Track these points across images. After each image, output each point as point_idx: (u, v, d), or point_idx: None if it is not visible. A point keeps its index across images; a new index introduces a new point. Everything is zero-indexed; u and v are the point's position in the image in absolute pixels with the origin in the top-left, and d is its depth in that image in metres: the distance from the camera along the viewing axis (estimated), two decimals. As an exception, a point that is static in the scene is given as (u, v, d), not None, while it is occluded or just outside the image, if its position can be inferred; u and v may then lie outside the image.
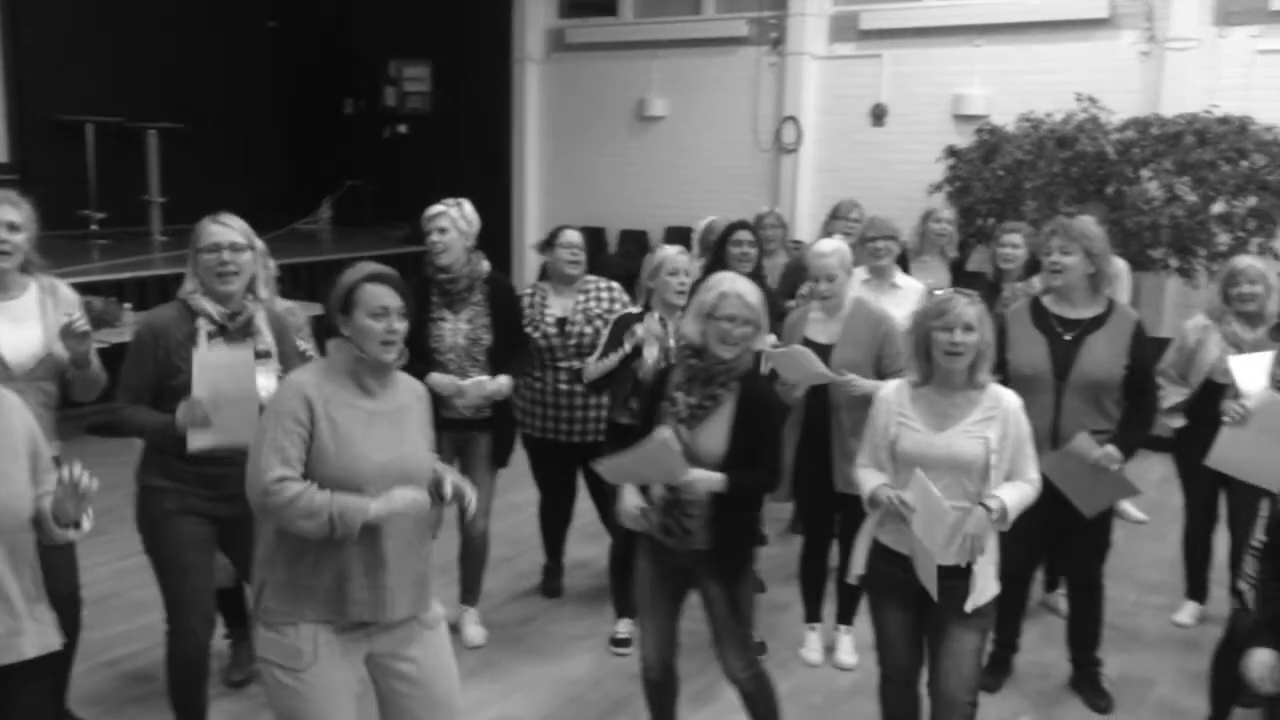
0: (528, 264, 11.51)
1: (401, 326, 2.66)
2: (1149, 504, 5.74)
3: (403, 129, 12.52)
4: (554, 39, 11.33)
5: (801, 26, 9.79)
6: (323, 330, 3.41)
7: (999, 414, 3.00)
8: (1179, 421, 4.36)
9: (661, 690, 3.38)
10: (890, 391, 3.13)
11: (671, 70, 10.65)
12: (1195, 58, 8.18)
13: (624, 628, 4.34)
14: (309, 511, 2.52)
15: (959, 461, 2.96)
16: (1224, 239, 7.40)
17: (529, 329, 4.46)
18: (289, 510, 2.53)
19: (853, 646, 4.27)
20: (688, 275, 4.14)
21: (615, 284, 4.66)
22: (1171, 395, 4.32)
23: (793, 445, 4.14)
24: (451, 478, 2.76)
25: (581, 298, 4.54)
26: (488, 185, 11.27)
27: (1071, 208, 7.59)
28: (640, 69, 10.77)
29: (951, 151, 8.49)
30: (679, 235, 9.91)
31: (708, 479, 3.03)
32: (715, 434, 3.09)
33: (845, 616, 4.34)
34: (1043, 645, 4.39)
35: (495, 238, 11.10)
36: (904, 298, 4.78)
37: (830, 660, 4.30)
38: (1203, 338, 4.30)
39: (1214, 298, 4.39)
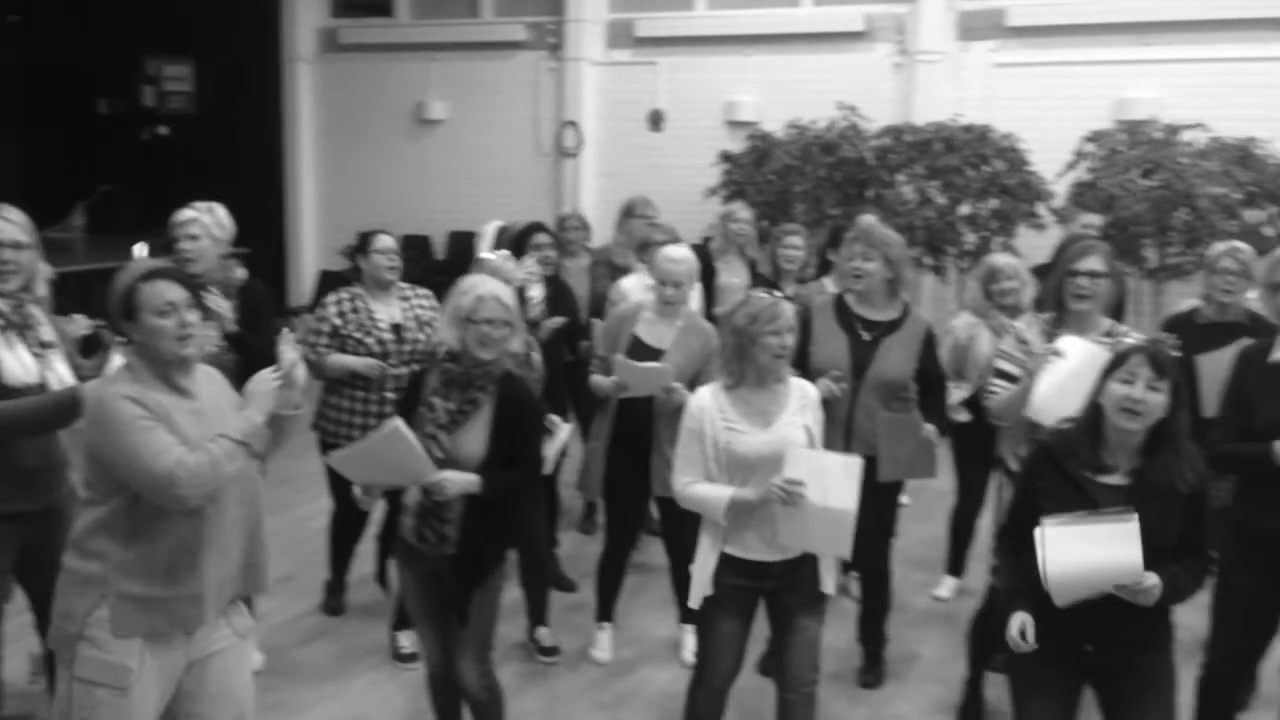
0: (304, 269, 11.16)
1: (193, 318, 2.57)
2: (912, 487, 6.10)
3: (163, 130, 11.86)
4: (326, 39, 10.99)
5: (579, 32, 9.89)
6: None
7: (809, 402, 3.16)
8: (964, 416, 4.61)
9: (447, 685, 3.35)
10: (707, 399, 3.12)
11: (450, 73, 10.53)
12: (942, 70, 8.80)
13: (406, 640, 4.25)
14: (225, 456, 2.47)
15: None
16: (971, 238, 7.99)
17: (359, 335, 4.31)
18: (208, 472, 2.44)
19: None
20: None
21: (427, 290, 4.58)
22: (955, 392, 4.55)
23: (604, 443, 4.17)
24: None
25: (405, 304, 4.44)
26: (259, 190, 10.81)
27: (837, 210, 8.02)
28: (418, 71, 10.60)
29: (725, 157, 8.78)
30: (463, 240, 9.84)
31: (460, 480, 3.01)
32: (475, 438, 3.08)
33: (690, 616, 4.38)
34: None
35: (268, 243, 10.72)
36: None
37: (678, 658, 4.33)
38: (974, 334, 4.61)
39: (976, 296, 4.71)
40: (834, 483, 2.93)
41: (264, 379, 2.62)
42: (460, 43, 10.42)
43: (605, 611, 4.42)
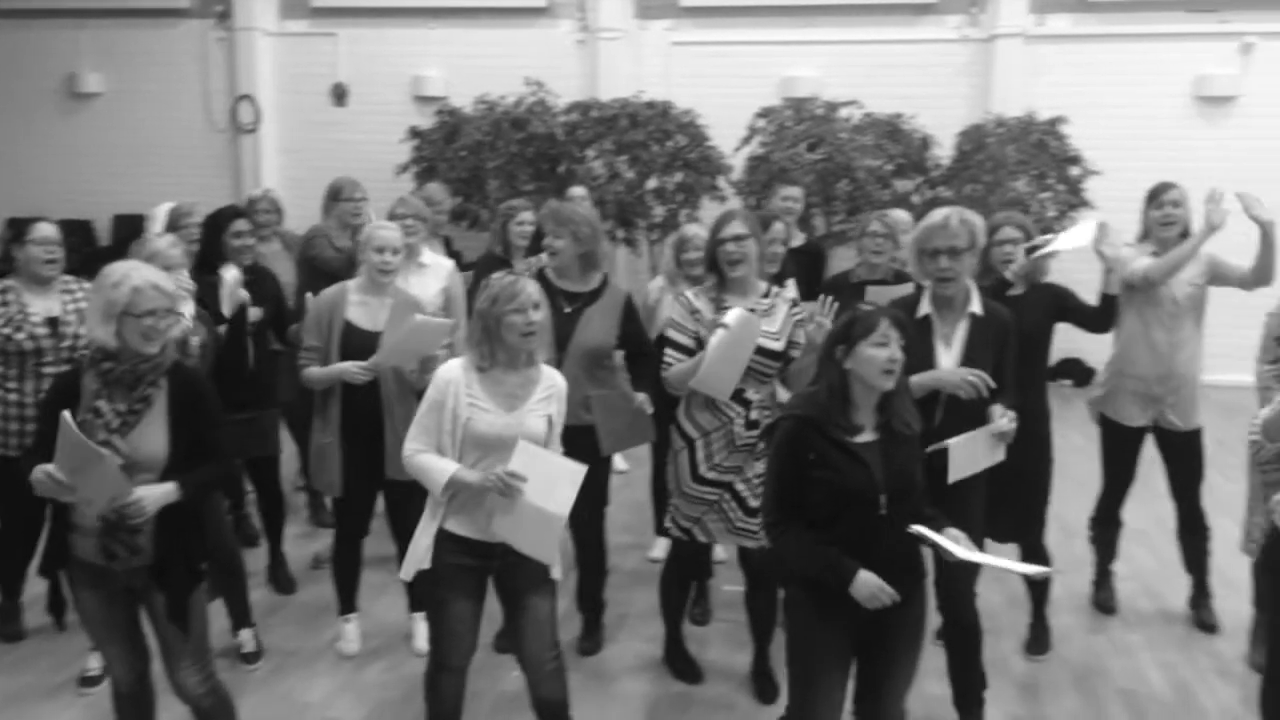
0: (-58, 263, 9.93)
1: None
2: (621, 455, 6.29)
3: None
4: (-48, 1, 9.80)
5: (249, 1, 9.37)
6: None
7: (555, 392, 3.17)
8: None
9: (137, 704, 3.16)
10: (455, 373, 3.07)
11: (105, 42, 9.69)
12: (623, 47, 9.07)
13: (95, 663, 3.93)
14: None
15: (532, 440, 3.03)
16: (659, 211, 8.32)
17: (8, 331, 3.89)
18: None
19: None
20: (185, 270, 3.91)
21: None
22: None
23: (333, 430, 3.99)
24: None
25: (68, 297, 4.07)
26: (-123, 172, 9.54)
27: (531, 186, 8.10)
28: (67, 40, 9.69)
29: (415, 132, 8.63)
30: (130, 222, 9.10)
31: (157, 494, 2.81)
32: (154, 436, 2.87)
33: (419, 603, 4.23)
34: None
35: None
36: (433, 275, 4.81)
37: (410, 648, 4.26)
38: (660, 298, 4.82)
39: (669, 263, 4.92)
40: (555, 487, 2.97)
41: None
42: (114, 9, 9.62)
43: (348, 603, 4.30)
